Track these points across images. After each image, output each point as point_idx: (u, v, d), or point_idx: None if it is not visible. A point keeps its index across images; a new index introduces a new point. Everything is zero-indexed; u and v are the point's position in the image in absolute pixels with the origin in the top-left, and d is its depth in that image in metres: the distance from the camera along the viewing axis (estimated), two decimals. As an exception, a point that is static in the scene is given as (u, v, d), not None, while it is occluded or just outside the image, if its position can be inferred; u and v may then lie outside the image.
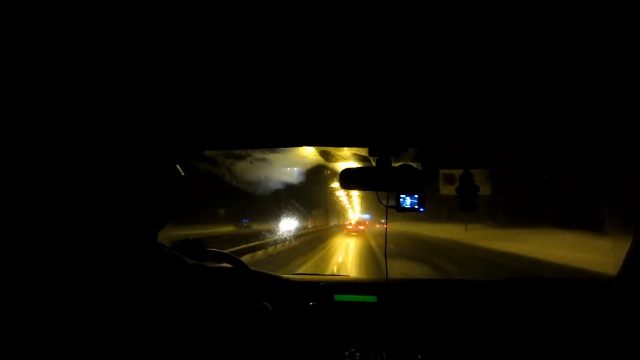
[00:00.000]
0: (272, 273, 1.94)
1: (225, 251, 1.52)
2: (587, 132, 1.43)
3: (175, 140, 1.39)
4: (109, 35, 0.73)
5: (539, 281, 1.93)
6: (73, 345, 0.68)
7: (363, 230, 29.85)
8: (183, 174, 1.08)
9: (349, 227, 31.00)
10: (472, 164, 1.51)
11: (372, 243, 19.16)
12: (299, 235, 17.76)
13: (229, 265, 1.52)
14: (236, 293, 1.14)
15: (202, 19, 0.70)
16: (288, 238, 15.08)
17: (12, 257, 0.73)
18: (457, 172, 1.57)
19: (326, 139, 1.51)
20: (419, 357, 1.70)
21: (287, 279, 1.91)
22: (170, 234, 1.00)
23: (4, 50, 0.77)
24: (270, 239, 13.51)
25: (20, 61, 0.82)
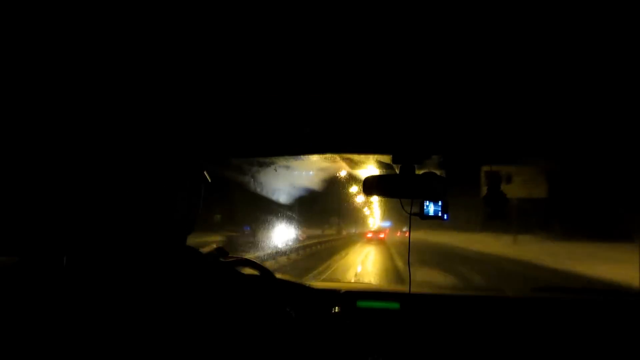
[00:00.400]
0: (296, 280, 1.96)
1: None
2: None
3: (204, 147, 1.43)
4: (139, 40, 0.76)
5: (570, 301, 1.87)
6: (98, 346, 0.71)
7: (383, 238, 28.69)
8: (210, 180, 1.11)
9: (369, 235, 30.22)
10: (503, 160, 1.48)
11: (397, 261, 13.88)
12: (309, 244, 16.12)
13: (254, 272, 1.54)
14: (263, 299, 1.16)
15: (233, 31, 0.72)
16: (290, 250, 13.46)
17: (42, 260, 0.76)
18: (506, 169, 1.54)
19: (350, 146, 1.52)
20: None
21: (310, 286, 1.92)
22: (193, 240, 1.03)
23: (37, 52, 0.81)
24: (271, 250, 12.01)
25: (53, 64, 0.86)
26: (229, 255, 1.47)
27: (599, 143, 1.31)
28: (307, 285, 1.93)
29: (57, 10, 0.67)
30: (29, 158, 0.76)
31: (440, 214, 1.56)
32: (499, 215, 1.58)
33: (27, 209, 0.74)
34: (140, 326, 0.73)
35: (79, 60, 0.84)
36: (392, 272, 11.21)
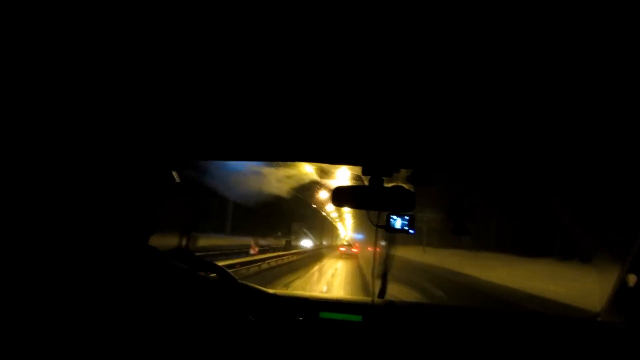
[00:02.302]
0: (260, 287, 1.95)
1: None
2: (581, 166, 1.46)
3: (172, 147, 1.41)
4: (108, 36, 0.76)
5: (525, 314, 1.95)
6: (60, 345, 0.69)
7: (356, 253, 27.41)
8: (178, 181, 1.10)
9: (342, 249, 29.05)
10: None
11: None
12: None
13: (216, 276, 1.53)
14: (223, 303, 1.15)
15: (207, 27, 0.73)
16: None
17: (3, 258, 0.74)
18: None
19: (320, 155, 1.54)
20: None
21: (274, 294, 1.92)
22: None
23: None
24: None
25: (16, 60, 0.84)
26: (194, 257, 1.45)
27: (573, 159, 1.35)
28: (270, 292, 1.93)
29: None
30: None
31: (406, 227, 1.60)
32: (462, 231, 1.63)
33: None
34: (94, 322, 0.72)
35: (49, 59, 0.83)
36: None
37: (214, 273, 1.52)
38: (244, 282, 1.83)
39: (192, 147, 1.48)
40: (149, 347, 0.78)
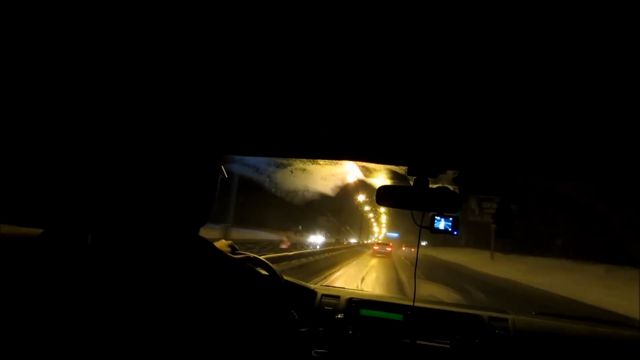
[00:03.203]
0: (302, 283, 1.98)
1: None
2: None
3: (224, 142, 1.46)
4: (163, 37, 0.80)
5: (565, 318, 1.89)
6: (112, 334, 0.74)
7: (390, 252, 26.75)
8: (226, 176, 1.14)
9: (375, 247, 28.58)
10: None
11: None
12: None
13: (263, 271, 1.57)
14: (269, 298, 1.18)
15: (255, 32, 0.75)
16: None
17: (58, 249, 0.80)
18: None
19: (366, 154, 1.55)
20: None
21: (315, 290, 1.95)
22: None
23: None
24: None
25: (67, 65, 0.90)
26: (239, 252, 1.50)
27: (622, 163, 1.30)
28: (312, 289, 1.96)
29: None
30: (65, 137, 0.80)
31: (450, 229, 1.58)
32: (507, 234, 1.60)
33: (57, 183, 0.78)
34: (146, 314, 0.76)
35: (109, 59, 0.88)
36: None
37: (258, 267, 1.56)
38: (287, 277, 1.88)
39: (241, 143, 1.52)
40: (196, 337, 0.81)
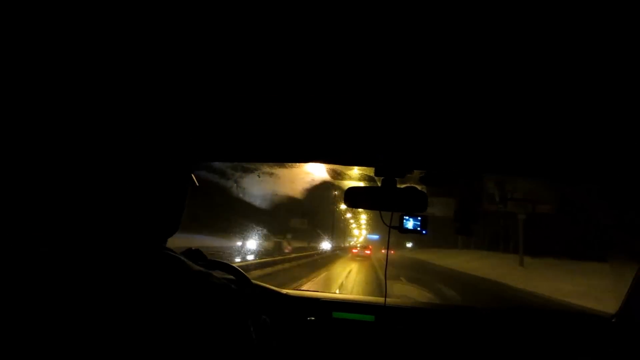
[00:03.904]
0: (273, 287, 1.98)
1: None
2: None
3: (193, 149, 1.45)
4: (123, 39, 0.79)
5: (539, 313, 1.95)
6: (73, 347, 0.73)
7: (369, 255, 27.01)
8: (197, 184, 1.13)
9: (354, 250, 28.81)
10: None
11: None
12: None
13: (231, 276, 1.56)
14: (237, 304, 1.17)
15: (224, 35, 0.75)
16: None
17: (19, 258, 0.78)
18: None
19: (333, 156, 1.57)
20: None
21: (287, 294, 1.95)
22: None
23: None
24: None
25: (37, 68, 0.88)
26: (207, 259, 1.49)
27: (590, 160, 1.35)
28: (283, 293, 1.96)
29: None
30: (23, 141, 0.78)
31: (419, 228, 1.61)
32: (466, 231, 1.64)
33: (13, 189, 0.76)
34: (110, 323, 0.75)
35: (68, 60, 0.87)
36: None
37: (227, 273, 1.56)
38: (257, 282, 1.87)
39: (210, 149, 1.52)
40: (160, 346, 0.80)
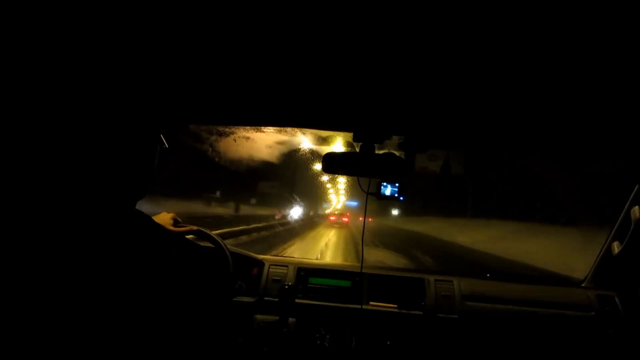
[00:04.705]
0: (249, 254, 1.98)
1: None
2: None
3: (161, 110, 1.40)
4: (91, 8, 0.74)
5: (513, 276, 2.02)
6: (49, 311, 0.71)
7: (347, 222, 26.94)
8: (167, 146, 1.10)
9: (332, 218, 28.68)
10: None
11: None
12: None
13: (208, 244, 1.54)
14: (212, 270, 1.17)
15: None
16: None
17: None
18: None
19: (311, 121, 1.54)
20: (388, 342, 1.77)
21: (263, 260, 1.95)
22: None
23: None
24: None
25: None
26: (182, 224, 1.47)
27: (558, 130, 1.37)
28: (259, 258, 1.96)
29: None
30: None
31: (397, 195, 1.62)
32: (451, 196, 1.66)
33: None
34: (82, 285, 0.73)
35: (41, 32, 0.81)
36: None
37: (202, 239, 1.54)
38: (234, 248, 1.86)
39: (181, 110, 1.46)
40: (135, 313, 0.79)
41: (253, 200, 22.88)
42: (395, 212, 36.34)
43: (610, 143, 1.49)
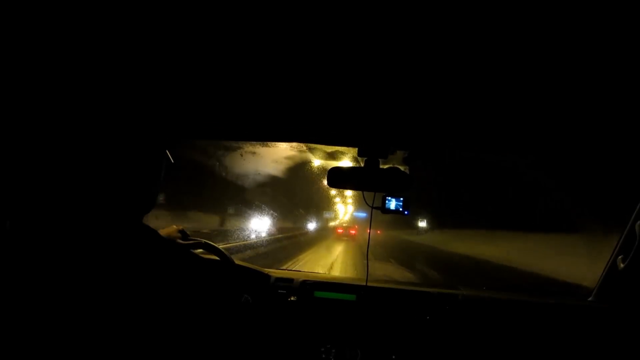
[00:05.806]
0: (255, 267, 1.99)
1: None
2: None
3: (167, 126, 1.43)
4: (97, 18, 0.77)
5: (517, 294, 2.01)
6: (54, 316, 0.73)
7: (354, 235, 25.55)
8: (172, 161, 1.12)
9: (339, 230, 27.91)
10: None
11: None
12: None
13: (214, 257, 1.56)
14: (219, 283, 1.18)
15: (198, 10, 0.74)
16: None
17: None
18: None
19: (317, 136, 1.56)
20: (393, 357, 1.77)
21: (269, 274, 1.97)
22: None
23: None
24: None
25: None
26: (190, 238, 1.49)
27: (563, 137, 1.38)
28: (265, 272, 1.98)
29: None
30: None
31: (401, 209, 1.63)
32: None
33: None
34: (89, 299, 0.75)
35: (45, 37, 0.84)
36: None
37: (209, 252, 1.56)
38: (240, 262, 1.88)
39: (187, 126, 1.50)
40: (142, 325, 0.81)
41: (231, 210, 20.29)
42: (422, 223, 28.51)
43: (617, 156, 1.49)
